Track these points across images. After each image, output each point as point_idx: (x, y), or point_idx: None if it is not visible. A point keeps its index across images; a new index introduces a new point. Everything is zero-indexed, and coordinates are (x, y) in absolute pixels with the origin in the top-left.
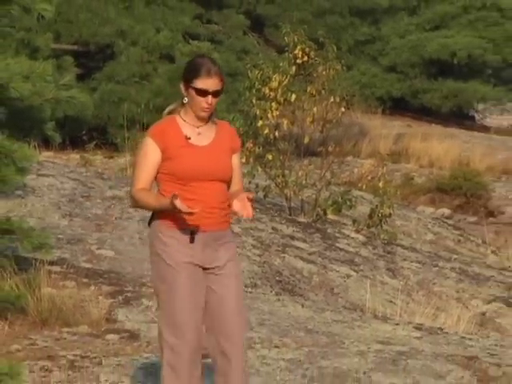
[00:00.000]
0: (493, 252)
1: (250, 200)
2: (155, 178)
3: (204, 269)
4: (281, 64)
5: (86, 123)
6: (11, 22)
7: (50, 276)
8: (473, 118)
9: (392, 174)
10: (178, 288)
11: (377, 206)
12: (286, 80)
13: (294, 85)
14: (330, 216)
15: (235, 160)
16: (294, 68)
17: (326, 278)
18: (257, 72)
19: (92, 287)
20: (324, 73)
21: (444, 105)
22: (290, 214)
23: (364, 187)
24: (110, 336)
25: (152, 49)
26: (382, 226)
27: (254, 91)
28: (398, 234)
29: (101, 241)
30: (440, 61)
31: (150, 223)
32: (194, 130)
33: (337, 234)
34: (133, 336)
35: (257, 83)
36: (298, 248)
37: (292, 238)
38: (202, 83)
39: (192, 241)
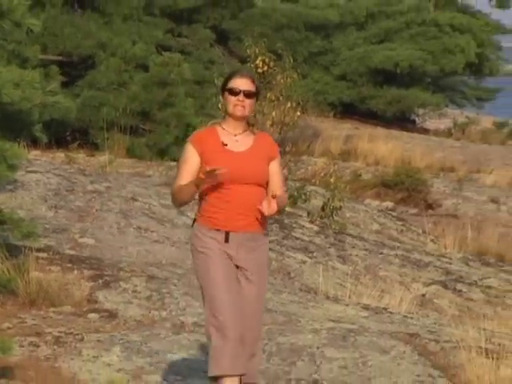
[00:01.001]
0: (431, 240)
1: (274, 197)
2: None
3: (236, 267)
4: None
5: (69, 125)
6: (3, 35)
7: (38, 261)
8: (414, 121)
9: (342, 170)
10: (217, 278)
11: (328, 199)
12: None
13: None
14: (287, 208)
15: (274, 167)
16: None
17: (284, 263)
18: (222, 80)
19: (75, 271)
20: (282, 81)
21: (388, 110)
22: None
23: (317, 183)
24: (91, 315)
25: (129, 59)
26: (333, 218)
27: (219, 97)
28: (348, 225)
29: (83, 230)
30: (385, 70)
31: (192, 226)
32: (231, 138)
33: (293, 225)
34: (111, 315)
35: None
36: None
37: None
38: (233, 83)
39: (227, 240)
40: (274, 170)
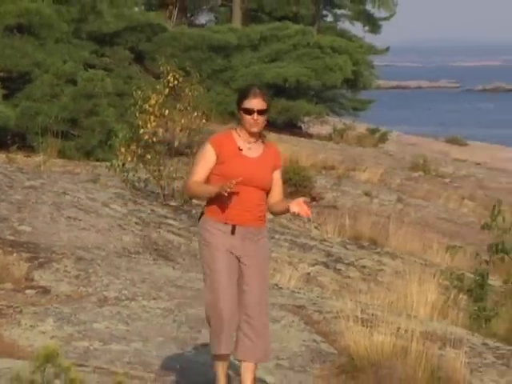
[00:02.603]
0: (315, 227)
1: (306, 203)
2: (207, 177)
3: (239, 260)
4: (157, 87)
5: (10, 131)
6: None
7: None
8: (300, 127)
9: None
10: (221, 269)
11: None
12: (161, 99)
13: (167, 102)
14: (194, 200)
15: (276, 175)
16: (167, 90)
17: (191, 247)
18: (139, 93)
19: (14, 254)
20: (189, 93)
21: (279, 118)
22: (164, 200)
23: None
24: (28, 291)
25: (60, 75)
26: None
27: (137, 107)
28: None
29: (21, 219)
30: (276, 85)
31: (199, 219)
32: (245, 145)
33: (199, 214)
34: (46, 291)
35: (139, 101)
36: (170, 225)
37: (165, 217)
38: (248, 103)
39: (233, 232)
40: (277, 177)
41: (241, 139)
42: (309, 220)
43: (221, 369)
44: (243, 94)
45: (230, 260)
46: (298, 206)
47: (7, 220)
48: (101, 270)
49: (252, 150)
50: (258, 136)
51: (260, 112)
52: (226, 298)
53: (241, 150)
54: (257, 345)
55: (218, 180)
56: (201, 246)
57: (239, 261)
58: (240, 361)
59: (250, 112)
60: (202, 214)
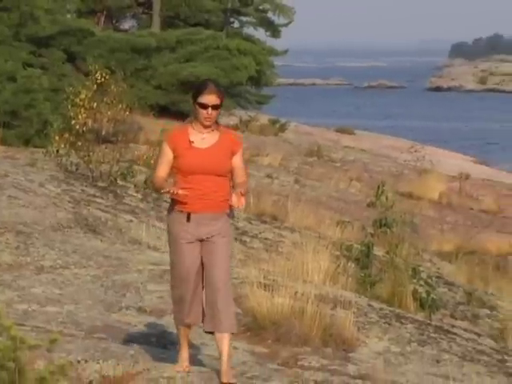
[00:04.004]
0: None
1: (243, 194)
2: (171, 169)
3: (200, 240)
4: (87, 83)
5: None
6: None
7: None
8: None
9: (159, 154)
10: (181, 254)
11: (149, 176)
12: (90, 94)
13: (95, 97)
14: (119, 182)
15: (236, 159)
16: (95, 86)
17: (117, 222)
18: (71, 88)
19: None
20: (115, 89)
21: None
22: (93, 181)
23: (141, 163)
24: None
25: (2, 73)
26: None
27: (69, 101)
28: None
29: None
30: (190, 82)
31: (168, 208)
32: (199, 136)
33: (123, 194)
34: None
35: (71, 96)
36: (98, 203)
37: (94, 196)
38: (203, 99)
39: (188, 220)
40: (236, 161)
41: (195, 132)
42: (238, 207)
43: (183, 338)
44: (199, 90)
45: (189, 249)
46: (235, 197)
47: None
48: (38, 242)
49: (206, 140)
50: (214, 125)
51: (214, 107)
52: (187, 281)
53: (192, 142)
54: (223, 317)
55: (177, 172)
56: (168, 234)
57: (202, 242)
58: (211, 333)
59: (204, 107)
60: (169, 207)
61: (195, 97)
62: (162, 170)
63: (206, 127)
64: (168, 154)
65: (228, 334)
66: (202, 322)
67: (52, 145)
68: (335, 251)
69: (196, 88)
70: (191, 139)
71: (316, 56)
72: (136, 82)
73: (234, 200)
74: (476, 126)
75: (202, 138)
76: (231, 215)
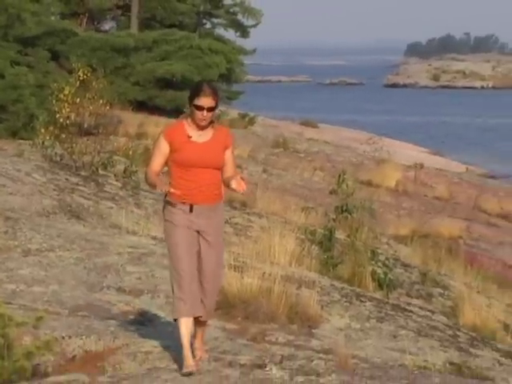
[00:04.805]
0: None
1: (243, 179)
2: (166, 163)
3: (198, 232)
4: (70, 80)
5: None
6: None
7: None
8: (185, 113)
9: (137, 146)
10: (180, 242)
11: (128, 165)
12: (73, 90)
13: (78, 93)
14: (100, 171)
15: (228, 154)
16: (78, 82)
17: (98, 208)
18: (55, 85)
19: None
20: (96, 86)
21: (168, 105)
22: (76, 170)
23: (121, 154)
24: None
25: None
26: (131, 178)
27: (54, 96)
28: (140, 183)
29: None
30: (165, 79)
31: (165, 198)
32: (196, 132)
33: (104, 182)
34: None
35: (56, 92)
36: (81, 191)
37: (77, 184)
38: (199, 101)
39: (191, 211)
40: (228, 156)
41: (191, 128)
42: (242, 194)
43: (184, 329)
44: (195, 92)
45: (188, 234)
46: (236, 182)
47: None
48: (25, 227)
49: (202, 136)
50: (208, 123)
51: (209, 109)
52: (185, 268)
53: (190, 137)
54: (206, 305)
55: (174, 166)
56: (164, 223)
57: (199, 234)
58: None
59: (200, 108)
60: (165, 196)
61: (191, 98)
62: (157, 164)
63: (201, 128)
64: (164, 148)
65: (204, 322)
66: (200, 316)
67: (38, 137)
68: (300, 235)
69: (193, 90)
70: (189, 134)
71: (283, 55)
72: (116, 79)
73: (236, 185)
74: (430, 120)
75: (199, 135)
76: (222, 204)
